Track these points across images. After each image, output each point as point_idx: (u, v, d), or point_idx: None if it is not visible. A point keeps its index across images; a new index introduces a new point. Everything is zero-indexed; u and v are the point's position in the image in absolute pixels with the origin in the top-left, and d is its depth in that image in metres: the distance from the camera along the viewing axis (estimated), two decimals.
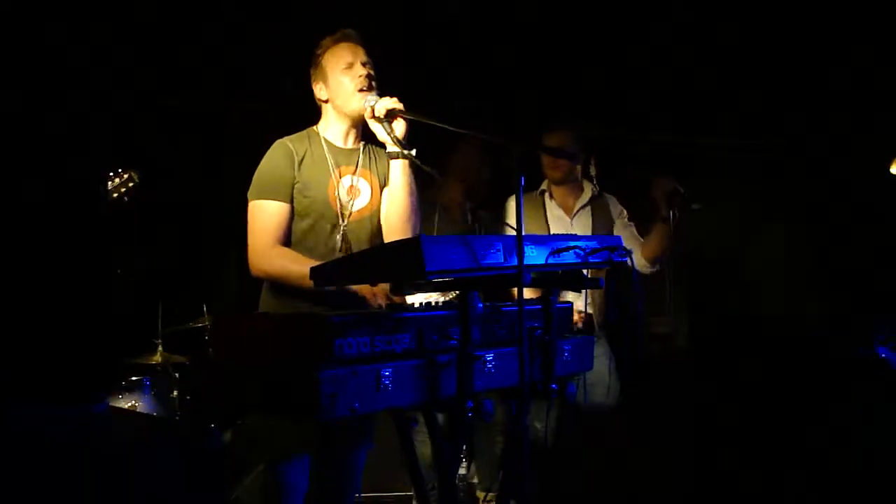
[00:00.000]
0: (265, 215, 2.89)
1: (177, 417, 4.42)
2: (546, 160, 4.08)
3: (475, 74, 5.31)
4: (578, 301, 3.89)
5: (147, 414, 4.30)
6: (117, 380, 4.41)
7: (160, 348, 4.54)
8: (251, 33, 4.85)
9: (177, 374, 4.52)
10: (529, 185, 4.12)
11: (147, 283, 4.73)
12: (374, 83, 2.94)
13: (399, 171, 2.93)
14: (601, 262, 2.52)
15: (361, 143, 3.06)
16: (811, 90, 5.30)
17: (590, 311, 3.96)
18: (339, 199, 2.95)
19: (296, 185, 2.91)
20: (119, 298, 4.72)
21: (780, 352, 4.83)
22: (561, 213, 4.10)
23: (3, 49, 4.37)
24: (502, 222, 4.11)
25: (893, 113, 5.17)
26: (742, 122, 5.53)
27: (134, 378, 4.45)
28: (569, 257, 2.43)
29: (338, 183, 2.96)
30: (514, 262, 2.24)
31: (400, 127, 2.87)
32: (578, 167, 4.15)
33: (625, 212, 4.15)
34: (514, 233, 2.25)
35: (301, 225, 2.92)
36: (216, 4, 4.78)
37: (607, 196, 4.18)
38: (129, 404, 4.35)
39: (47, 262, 4.52)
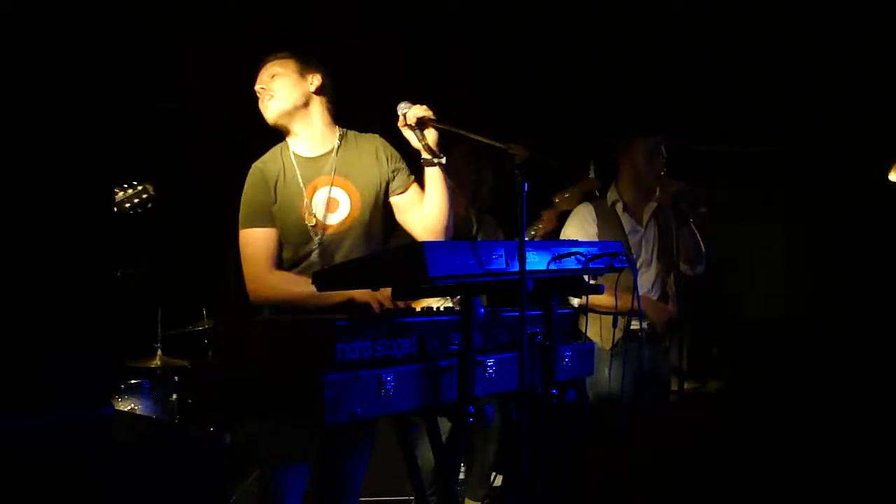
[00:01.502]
0: (255, 243, 2.90)
1: (176, 420, 4.42)
2: (642, 157, 3.97)
3: (476, 80, 5.32)
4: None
5: (149, 417, 4.31)
6: (117, 383, 4.41)
7: (159, 352, 4.55)
8: (253, 34, 4.85)
9: (176, 378, 4.52)
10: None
11: (147, 286, 4.72)
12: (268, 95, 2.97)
13: (435, 179, 2.91)
14: (602, 267, 2.53)
15: (337, 137, 3.02)
16: (811, 90, 5.31)
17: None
18: (315, 216, 2.93)
19: (273, 209, 2.92)
20: (118, 301, 4.72)
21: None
22: (633, 223, 4.02)
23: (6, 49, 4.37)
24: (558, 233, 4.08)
25: (893, 113, 5.18)
26: (742, 123, 5.54)
27: (133, 381, 4.45)
28: (570, 263, 2.44)
29: (311, 199, 2.94)
30: (516, 268, 2.25)
31: (432, 135, 2.86)
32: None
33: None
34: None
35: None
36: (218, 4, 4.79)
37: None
38: (129, 408, 4.35)
39: (48, 266, 4.51)
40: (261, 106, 3.01)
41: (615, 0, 5.21)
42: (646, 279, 3.95)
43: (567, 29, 5.29)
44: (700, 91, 5.38)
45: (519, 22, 5.28)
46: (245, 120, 4.89)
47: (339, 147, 3.01)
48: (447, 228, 2.96)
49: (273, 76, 3.00)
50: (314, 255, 2.91)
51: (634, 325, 3.82)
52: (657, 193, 4.02)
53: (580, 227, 3.96)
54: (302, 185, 2.94)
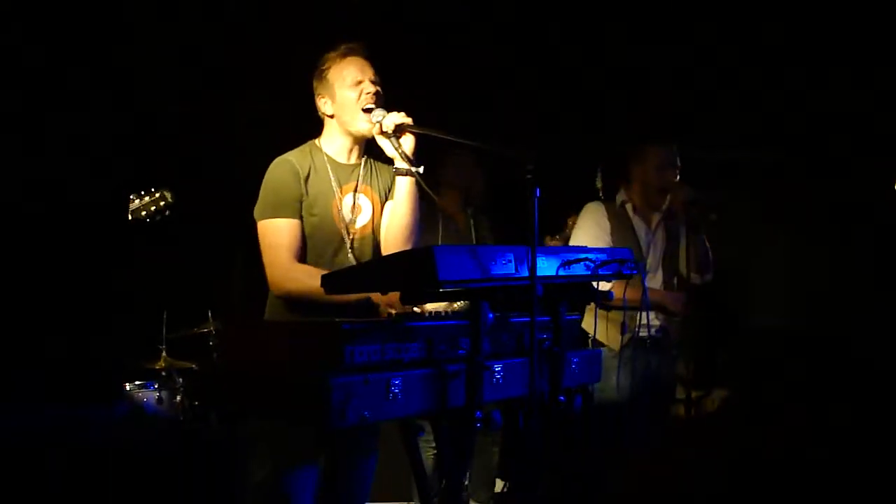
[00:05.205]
0: (279, 234, 2.88)
1: (180, 419, 4.42)
2: (653, 168, 3.93)
3: (477, 83, 5.32)
4: None
5: (161, 416, 4.32)
6: (122, 384, 4.41)
7: (164, 353, 4.55)
8: (256, 36, 4.86)
9: (181, 379, 4.52)
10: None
11: (152, 288, 4.72)
12: (381, 101, 2.93)
13: (405, 189, 2.92)
14: (611, 274, 2.52)
15: (363, 159, 3.05)
16: (820, 98, 5.30)
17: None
18: (343, 218, 2.95)
19: (303, 203, 2.91)
20: (124, 303, 4.72)
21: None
22: (643, 225, 4.00)
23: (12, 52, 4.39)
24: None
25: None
26: (742, 128, 5.54)
27: (139, 382, 4.45)
28: (579, 269, 2.43)
29: (341, 201, 2.96)
30: (525, 272, 2.25)
31: (408, 142, 2.86)
32: None
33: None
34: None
35: (308, 244, 2.92)
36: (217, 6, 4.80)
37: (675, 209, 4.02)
38: (134, 409, 4.35)
39: (57, 269, 4.53)
40: (377, 111, 2.90)
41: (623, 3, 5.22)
42: (651, 285, 3.92)
43: (570, 33, 5.30)
44: (701, 93, 5.38)
45: (526, 26, 5.29)
46: (253, 123, 4.94)
47: (365, 160, 3.04)
48: (413, 243, 2.94)
49: (375, 81, 2.95)
50: (349, 255, 2.93)
51: (643, 331, 3.80)
52: (667, 201, 3.99)
53: (595, 223, 3.91)
54: (334, 185, 2.95)
